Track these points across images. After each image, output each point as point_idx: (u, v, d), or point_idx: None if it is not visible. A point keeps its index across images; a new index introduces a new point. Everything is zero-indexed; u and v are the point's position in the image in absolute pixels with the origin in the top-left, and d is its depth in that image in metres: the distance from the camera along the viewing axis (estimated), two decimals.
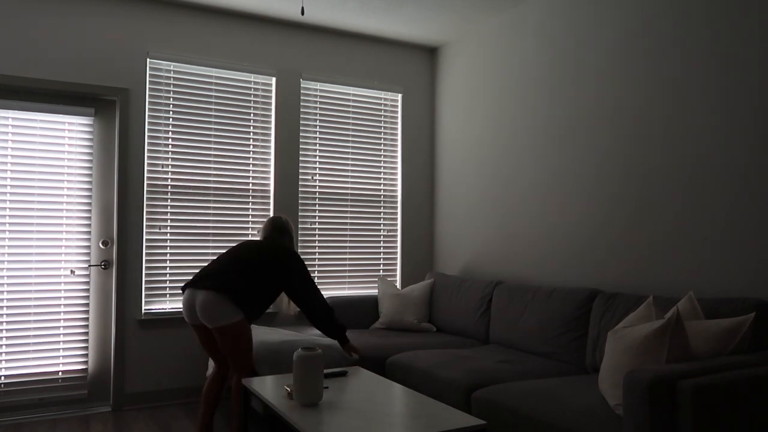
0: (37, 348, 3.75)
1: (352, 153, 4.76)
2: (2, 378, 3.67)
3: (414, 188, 5.00)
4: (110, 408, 3.90)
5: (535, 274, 3.91)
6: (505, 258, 4.19)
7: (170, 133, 4.11)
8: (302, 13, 3.04)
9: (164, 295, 4.06)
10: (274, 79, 4.45)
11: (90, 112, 3.93)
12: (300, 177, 4.54)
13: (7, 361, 3.68)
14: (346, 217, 4.72)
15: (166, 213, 4.08)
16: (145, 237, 4.00)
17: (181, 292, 4.10)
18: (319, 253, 4.61)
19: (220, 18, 4.27)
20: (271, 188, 4.43)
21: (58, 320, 3.81)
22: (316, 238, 4.60)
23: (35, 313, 3.75)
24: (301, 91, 4.57)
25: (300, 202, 4.54)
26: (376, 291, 4.80)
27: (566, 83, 3.70)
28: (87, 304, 3.90)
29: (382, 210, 4.89)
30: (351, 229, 4.74)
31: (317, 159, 4.62)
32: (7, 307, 3.69)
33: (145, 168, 4.01)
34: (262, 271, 2.96)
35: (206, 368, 4.18)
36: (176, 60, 4.11)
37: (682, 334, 2.17)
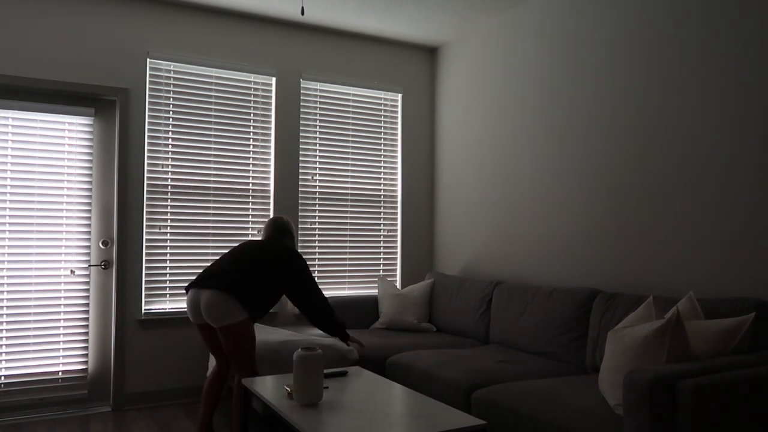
0: (37, 348, 3.75)
1: (352, 153, 4.76)
2: (2, 378, 3.67)
3: (414, 188, 5.00)
4: (110, 408, 3.90)
5: (535, 274, 3.91)
6: (505, 258, 4.19)
7: (170, 133, 4.11)
8: (302, 13, 3.04)
9: (164, 295, 4.06)
10: (274, 79, 4.45)
11: (90, 112, 3.93)
12: (300, 177, 4.54)
13: (7, 361, 3.68)
14: (346, 217, 4.72)
15: (166, 213, 4.08)
16: (145, 237, 4.00)
17: (181, 292, 4.11)
18: (319, 253, 4.61)
19: (220, 18, 4.27)
20: (271, 188, 4.43)
21: (58, 320, 3.81)
22: (316, 238, 4.60)
23: (35, 313, 3.75)
24: (301, 91, 4.57)
25: (300, 202, 4.54)
26: (376, 291, 4.80)
27: (566, 83, 3.70)
28: (87, 304, 3.90)
29: (382, 210, 4.89)
30: (351, 229, 4.74)
31: (317, 159, 4.62)
32: (7, 307, 3.69)
33: (145, 168, 4.01)
34: (264, 271, 2.98)
35: (206, 368, 4.18)
36: (176, 60, 4.11)
37: (682, 334, 2.17)
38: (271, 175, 4.43)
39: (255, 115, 4.40)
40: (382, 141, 4.89)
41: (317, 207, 4.61)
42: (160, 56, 4.06)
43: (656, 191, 3.11)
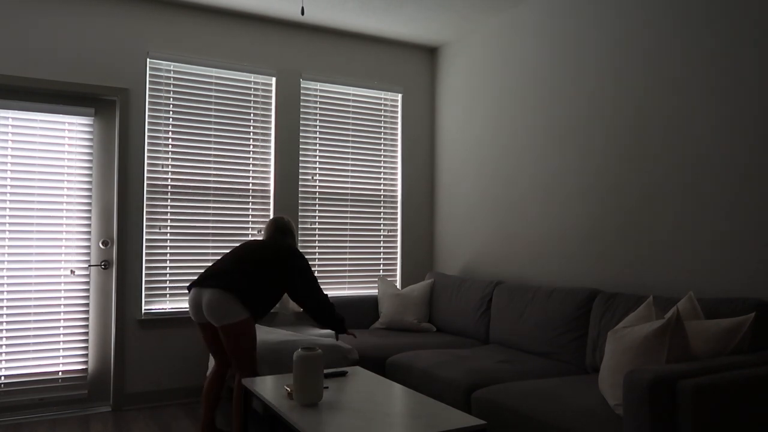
0: (37, 348, 3.75)
1: (352, 153, 4.76)
2: (2, 378, 3.67)
3: (414, 188, 5.00)
4: (110, 408, 3.90)
5: (535, 274, 3.91)
6: (505, 258, 4.19)
7: (170, 133, 4.11)
8: (302, 13, 3.04)
9: (164, 295, 4.06)
10: (274, 79, 4.45)
11: (90, 112, 3.93)
12: (300, 177, 4.54)
13: (7, 361, 3.68)
14: (346, 217, 4.72)
15: (166, 213, 4.08)
16: (145, 237, 4.00)
17: (181, 292, 4.11)
18: (319, 253, 4.61)
19: (220, 18, 4.27)
20: (271, 188, 4.43)
21: (58, 320, 3.81)
22: (316, 238, 4.60)
23: (35, 313, 3.75)
24: (301, 91, 4.57)
25: (300, 202, 4.54)
26: (376, 291, 4.80)
27: (566, 83, 3.70)
28: (87, 304, 3.90)
29: (382, 210, 4.89)
30: (351, 229, 4.74)
31: (317, 159, 4.62)
32: (7, 307, 3.69)
33: (145, 168, 4.01)
34: (266, 270, 3.00)
35: (206, 368, 4.18)
36: (176, 60, 4.11)
37: (682, 334, 2.17)
38: (271, 175, 4.43)
39: (255, 115, 4.40)
40: (382, 141, 4.89)
41: (317, 207, 4.61)
42: (160, 56, 4.06)
43: (656, 191, 3.11)
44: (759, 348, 2.42)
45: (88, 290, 3.91)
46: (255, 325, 2.96)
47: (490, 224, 4.36)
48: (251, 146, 4.37)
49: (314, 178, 4.61)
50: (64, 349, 3.83)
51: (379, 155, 4.88)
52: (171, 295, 4.08)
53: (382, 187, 4.88)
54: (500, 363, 3.14)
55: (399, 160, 4.96)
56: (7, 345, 3.68)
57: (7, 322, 3.68)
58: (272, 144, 4.44)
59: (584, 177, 3.56)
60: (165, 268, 4.07)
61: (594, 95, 3.51)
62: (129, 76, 3.99)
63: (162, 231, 4.06)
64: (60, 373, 3.82)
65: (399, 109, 4.98)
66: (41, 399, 3.77)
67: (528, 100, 4.02)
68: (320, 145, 4.63)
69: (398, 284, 4.94)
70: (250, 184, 4.36)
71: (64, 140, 3.86)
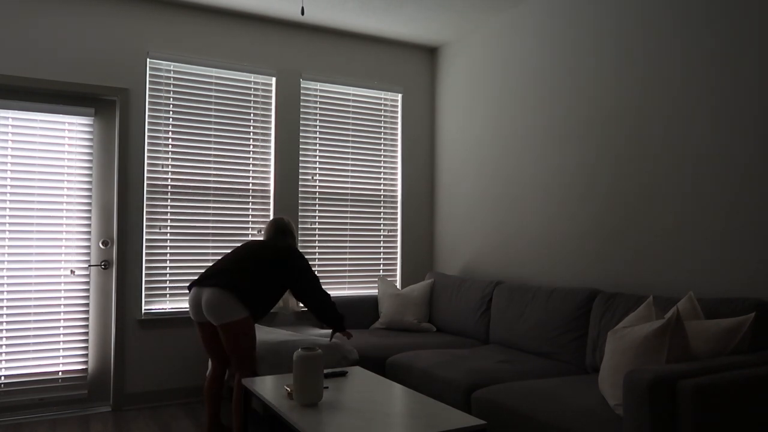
0: (37, 348, 3.75)
1: (352, 153, 4.76)
2: (2, 378, 3.67)
3: (414, 188, 5.00)
4: (110, 408, 3.90)
5: (535, 274, 3.91)
6: (505, 258, 4.19)
7: (170, 133, 4.11)
8: (302, 13, 3.04)
9: (164, 295, 4.06)
10: (274, 79, 4.45)
11: (90, 112, 3.93)
12: (300, 177, 4.54)
13: (7, 361, 3.68)
14: (346, 217, 4.72)
15: (166, 213, 4.08)
16: (145, 237, 4.00)
17: (181, 292, 4.11)
18: (319, 253, 4.61)
19: (220, 18, 4.27)
20: (271, 188, 4.43)
21: (58, 320, 3.81)
22: (316, 238, 4.60)
23: (35, 313, 3.75)
24: (301, 91, 4.57)
25: (300, 202, 4.54)
26: (376, 291, 4.80)
27: (566, 83, 3.70)
28: (87, 304, 3.90)
29: (382, 210, 4.89)
30: (351, 229, 4.74)
31: (317, 159, 4.62)
32: (7, 307, 3.69)
33: (145, 168, 4.01)
34: (266, 270, 3.02)
35: (206, 368, 4.18)
36: (176, 60, 4.11)
37: (682, 334, 2.17)
38: (271, 175, 4.43)
39: (255, 115, 4.40)
40: (382, 141, 4.89)
41: (317, 207, 4.61)
42: (160, 56, 4.06)
43: (656, 191, 3.11)
44: (759, 348, 2.42)
45: (88, 290, 3.91)
46: (254, 325, 2.97)
47: (490, 224, 4.36)
48: (251, 146, 4.37)
49: (314, 178, 4.61)
50: (64, 349, 3.83)
51: (379, 155, 4.88)
52: (171, 295, 4.08)
53: (382, 187, 4.88)
54: (500, 363, 3.14)
55: (399, 160, 4.96)
56: (7, 345, 3.68)
57: (7, 322, 3.68)
58: (272, 144, 4.44)
59: (584, 177, 3.56)
60: (165, 268, 4.07)
61: (594, 95, 3.51)
62: (129, 76, 3.99)
63: (162, 231, 4.06)
64: (60, 373, 3.82)
65: (399, 109, 4.98)
66: (41, 399, 3.77)
67: (528, 100, 4.02)
68: (320, 145, 4.63)
69: (398, 284, 4.94)
70: (250, 184, 4.36)
71: (64, 140, 3.86)
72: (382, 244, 4.88)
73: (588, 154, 3.54)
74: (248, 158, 4.36)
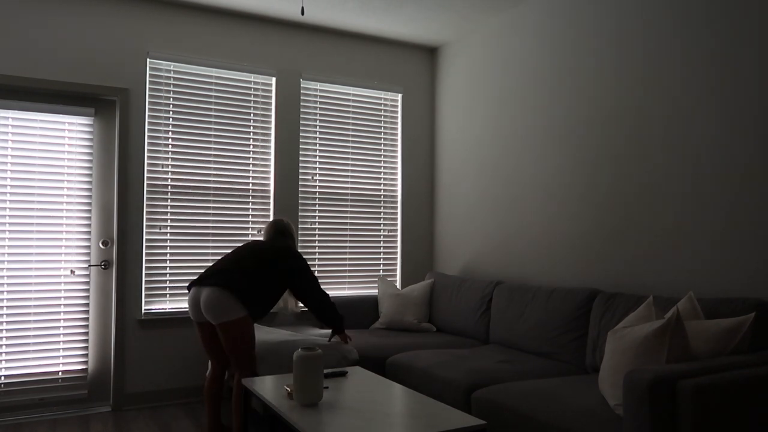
0: (37, 348, 3.75)
1: (352, 153, 4.76)
2: (2, 378, 3.67)
3: (414, 188, 5.00)
4: (110, 408, 3.90)
5: (535, 274, 3.91)
6: (505, 258, 4.19)
7: (170, 133, 4.11)
8: (302, 13, 3.04)
9: (164, 295, 4.06)
10: (274, 79, 4.45)
11: (90, 112, 3.93)
12: (300, 177, 4.54)
13: (7, 361, 3.68)
14: (346, 217, 4.72)
15: (166, 213, 4.08)
16: (145, 237, 4.00)
17: (181, 292, 4.11)
18: (319, 253, 4.61)
19: (220, 18, 4.27)
20: (271, 188, 4.43)
21: (58, 320, 3.81)
22: (316, 238, 4.60)
23: (35, 313, 3.75)
24: (301, 91, 4.57)
25: (300, 202, 4.54)
26: (376, 291, 4.80)
27: (566, 83, 3.70)
28: (87, 304, 3.90)
29: (382, 210, 4.89)
30: (351, 229, 4.74)
31: (317, 159, 4.62)
32: (7, 307, 3.69)
33: (145, 168, 4.01)
34: (265, 270, 3.03)
35: (206, 368, 4.18)
36: (176, 60, 4.11)
37: (682, 334, 2.17)
38: (271, 175, 4.43)
39: (255, 115, 4.40)
40: (382, 141, 4.89)
41: (317, 207, 4.61)
42: (160, 56, 4.06)
43: (656, 191, 3.11)
44: (759, 348, 2.42)
45: (88, 290, 3.91)
46: (253, 325, 2.98)
47: (490, 224, 4.36)
48: (251, 146, 4.37)
49: (314, 178, 4.61)
50: (64, 349, 3.83)
51: (379, 155, 4.88)
52: (171, 295, 4.08)
53: (382, 187, 4.88)
54: (500, 363, 3.14)
55: (399, 160, 4.96)
56: (7, 345, 3.68)
57: (7, 322, 3.68)
58: (272, 144, 4.44)
59: (584, 177, 3.56)
60: (165, 268, 4.07)
61: (594, 95, 3.51)
62: (129, 76, 3.99)
63: (162, 231, 4.06)
64: (60, 373, 3.82)
65: (399, 109, 4.98)
66: (41, 399, 3.77)
67: (528, 100, 4.02)
68: (320, 145, 4.63)
69: (398, 284, 4.94)
70: (250, 184, 4.36)
71: (64, 140, 3.86)
72: (382, 244, 4.88)
73: (588, 154, 3.54)
74: (248, 158, 4.36)
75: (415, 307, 4.31)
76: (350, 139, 4.75)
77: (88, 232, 3.92)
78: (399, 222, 4.95)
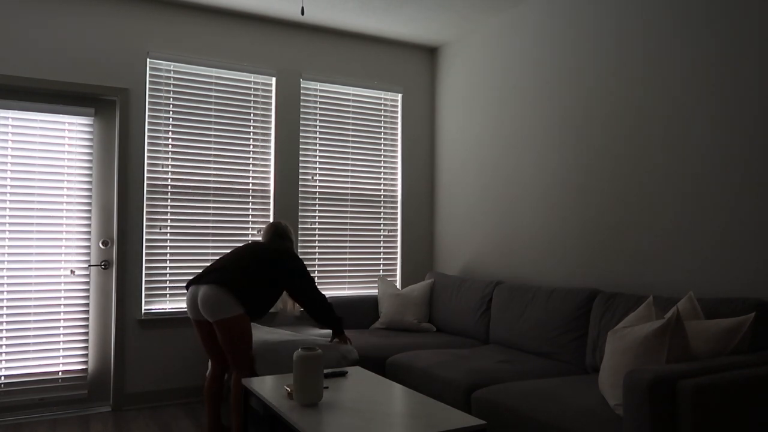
0: (37, 348, 3.75)
1: (352, 153, 4.76)
2: (2, 378, 3.67)
3: (414, 188, 5.00)
4: (110, 408, 3.90)
5: (535, 274, 3.91)
6: (505, 258, 4.19)
7: (170, 133, 4.11)
8: (302, 13, 3.04)
9: (164, 295, 4.06)
10: (274, 79, 4.45)
11: (90, 112, 3.93)
12: (300, 177, 4.54)
13: (7, 361, 3.68)
14: (346, 217, 4.72)
15: (166, 213, 4.08)
16: (145, 237, 4.00)
17: (181, 292, 4.11)
18: (319, 253, 4.61)
19: (220, 18, 4.27)
20: (271, 188, 4.43)
21: (58, 320, 3.81)
22: (316, 238, 4.60)
23: (35, 313, 3.75)
24: (301, 91, 4.57)
25: (300, 202, 4.54)
26: (376, 291, 4.80)
27: (566, 83, 3.70)
28: (87, 304, 3.90)
29: (382, 210, 4.89)
30: (351, 229, 4.74)
31: (317, 159, 4.62)
32: (7, 307, 3.69)
33: (145, 168, 4.02)
34: (263, 270, 3.05)
35: (206, 368, 4.18)
36: (176, 60, 4.11)
37: (682, 334, 2.17)
38: (271, 175, 4.43)
39: (255, 115, 4.40)
40: (382, 141, 4.89)
41: (317, 207, 4.61)
42: (160, 56, 4.06)
43: (656, 191, 3.11)
44: (759, 348, 2.42)
45: (88, 290, 3.91)
46: (250, 324, 2.99)
47: (490, 224, 4.36)
48: (251, 146, 4.37)
49: (314, 178, 4.61)
50: (64, 349, 3.83)
51: (379, 155, 4.88)
52: (171, 295, 4.08)
53: (382, 187, 4.88)
54: (500, 363, 3.14)
55: (399, 160, 4.96)
56: (7, 345, 3.68)
57: (7, 322, 3.68)
58: (272, 144, 4.44)
59: (584, 177, 3.56)
60: (165, 268, 4.07)
61: (594, 95, 3.51)
62: (129, 76, 3.99)
63: (162, 231, 4.06)
64: (60, 373, 3.82)
65: (399, 109, 4.98)
66: (41, 399, 3.77)
67: (528, 100, 4.02)
68: (320, 145, 4.63)
69: (398, 284, 4.94)
70: (250, 184, 4.36)
71: (64, 140, 3.86)
72: (382, 244, 4.88)
73: (588, 153, 3.54)
74: (248, 158, 4.36)
75: (415, 307, 4.31)
76: (350, 139, 4.75)
77: (88, 232, 3.92)
78: (399, 222, 4.95)
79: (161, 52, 4.07)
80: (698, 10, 2.92)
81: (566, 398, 2.43)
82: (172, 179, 4.10)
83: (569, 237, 3.65)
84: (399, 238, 4.95)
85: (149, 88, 4.04)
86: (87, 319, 3.90)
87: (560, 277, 3.71)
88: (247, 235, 4.33)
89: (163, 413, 3.82)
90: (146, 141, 4.02)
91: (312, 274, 4.55)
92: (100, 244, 3.96)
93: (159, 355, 4.02)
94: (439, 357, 3.28)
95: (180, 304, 4.11)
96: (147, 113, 4.03)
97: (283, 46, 4.49)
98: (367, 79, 4.81)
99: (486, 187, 4.41)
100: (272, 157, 4.43)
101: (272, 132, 4.44)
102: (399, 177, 4.96)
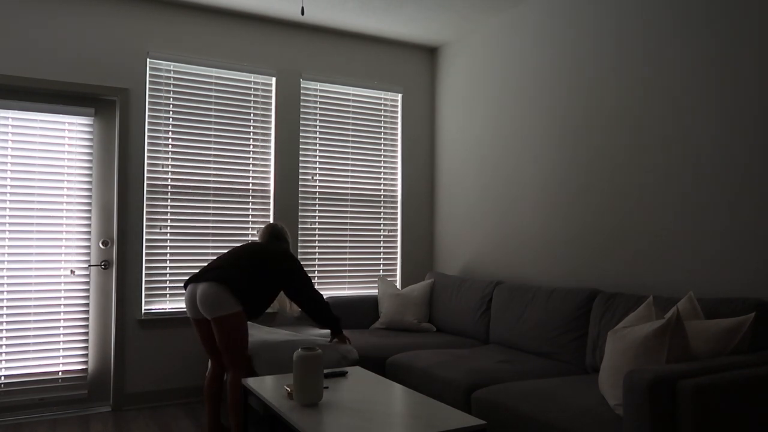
0: (37, 348, 3.75)
1: (352, 153, 4.76)
2: (2, 378, 3.67)
3: (414, 188, 5.00)
4: (110, 408, 3.90)
5: (535, 274, 3.91)
6: (505, 258, 4.19)
7: (170, 133, 4.11)
8: (302, 13, 3.04)
9: (164, 295, 4.06)
10: (274, 79, 4.45)
11: (90, 112, 3.93)
12: (300, 177, 4.54)
13: (7, 361, 3.68)
14: (346, 217, 4.72)
15: (166, 213, 4.08)
16: (145, 237, 4.00)
17: (181, 292, 4.11)
18: (319, 253, 4.61)
19: (220, 18, 4.27)
20: (271, 188, 4.43)
21: (58, 320, 3.81)
22: (316, 238, 4.60)
23: (35, 313, 3.75)
24: (301, 91, 4.57)
25: (300, 202, 4.54)
26: (376, 291, 4.80)
27: (566, 83, 3.70)
28: (87, 304, 3.90)
29: (382, 210, 4.89)
30: (351, 229, 4.74)
31: (317, 159, 4.62)
32: (7, 307, 3.69)
33: (145, 168, 4.02)
34: (261, 270, 3.09)
35: (206, 368, 4.18)
36: (176, 60, 4.11)
37: (682, 334, 2.17)
38: (271, 175, 4.43)
39: (255, 115, 4.40)
40: (382, 141, 4.89)
41: (317, 207, 4.61)
42: (160, 56, 4.06)
43: (656, 191, 3.11)
44: (759, 348, 2.42)
45: (88, 290, 3.91)
46: (247, 322, 3.03)
47: (490, 224, 4.36)
48: (251, 146, 4.37)
49: (314, 178, 4.61)
50: (64, 349, 3.83)
51: (379, 155, 4.88)
52: (171, 295, 4.08)
53: (382, 187, 4.88)
54: (500, 363, 3.14)
55: (399, 160, 4.96)
56: (7, 345, 3.68)
57: (7, 322, 3.68)
58: (272, 144, 4.44)
59: (584, 176, 3.56)
60: (165, 268, 4.07)
61: (594, 95, 3.51)
62: (129, 76, 3.99)
63: (162, 231, 4.06)
64: (60, 373, 3.82)
65: (399, 109, 4.98)
66: (41, 399, 3.77)
67: (528, 100, 4.02)
68: (320, 145, 4.63)
69: (398, 284, 4.94)
70: (250, 184, 4.36)
71: (64, 140, 3.86)
72: (382, 244, 4.88)
73: (588, 153, 3.54)
74: (248, 158, 4.36)
75: (415, 307, 4.31)
76: (350, 139, 4.75)
77: (88, 232, 3.92)
78: (399, 222, 4.95)
79: (161, 52, 4.07)
80: (698, 10, 2.92)
81: (566, 398, 2.43)
82: (172, 179, 4.10)
83: (569, 237, 3.65)
84: (399, 238, 4.95)
85: (149, 88, 4.04)
86: (87, 319, 3.90)
87: (560, 277, 3.71)
88: (247, 235, 4.33)
89: (163, 413, 3.82)
90: (146, 141, 4.02)
91: (312, 274, 4.57)
92: (100, 244, 3.96)
93: (159, 355, 4.02)
94: (439, 357, 3.28)
95: (180, 304, 4.11)
96: (147, 113, 4.03)
97: (283, 46, 4.49)
98: (367, 79, 4.81)
99: (486, 187, 4.41)
100: (272, 157, 4.43)
101: (272, 132, 4.44)
102: (399, 177, 4.96)
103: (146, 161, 4.02)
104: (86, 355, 3.90)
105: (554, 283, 3.76)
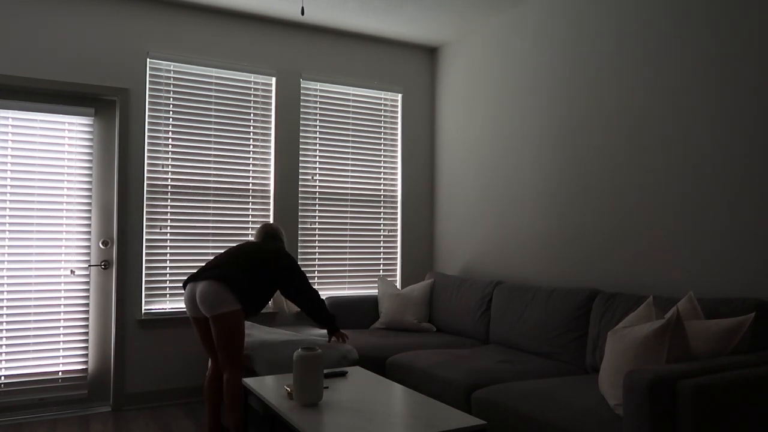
0: (37, 348, 3.75)
1: (352, 153, 4.76)
2: (2, 378, 3.67)
3: (414, 188, 5.00)
4: (110, 408, 3.90)
5: (535, 274, 3.91)
6: (505, 258, 4.19)
7: (170, 133, 4.11)
8: (302, 13, 3.05)
9: (164, 295, 4.06)
10: (274, 79, 4.45)
11: (90, 112, 3.93)
12: (300, 177, 4.54)
13: (7, 361, 3.68)
14: (346, 217, 4.72)
15: (166, 213, 4.08)
16: (145, 237, 4.00)
17: (181, 292, 4.11)
18: (319, 253, 4.61)
19: (220, 18, 4.27)
20: (271, 188, 4.43)
21: (58, 320, 3.81)
22: (316, 238, 4.60)
23: (35, 313, 3.75)
24: (301, 91, 4.57)
25: (300, 202, 4.54)
26: (376, 291, 4.80)
27: (566, 83, 3.70)
28: (87, 304, 3.90)
29: (382, 210, 4.89)
30: (351, 229, 4.74)
31: (317, 159, 4.62)
32: (7, 307, 3.69)
33: (145, 168, 4.01)
34: (258, 268, 3.12)
35: (206, 368, 4.18)
36: (176, 60, 4.11)
37: (682, 334, 2.17)
38: (271, 175, 4.43)
39: (255, 115, 4.40)
40: (382, 141, 4.89)
41: (317, 207, 4.61)
42: (160, 56, 4.06)
43: (656, 191, 3.11)
44: (759, 348, 2.42)
45: (88, 290, 3.91)
46: (245, 322, 3.05)
47: (490, 224, 4.36)
48: (251, 146, 4.37)
49: (314, 178, 4.61)
50: (64, 349, 3.83)
51: (379, 155, 4.88)
52: (171, 295, 4.08)
53: (382, 187, 4.88)
54: (500, 363, 3.14)
55: (399, 160, 4.96)
56: (7, 345, 3.68)
57: (7, 322, 3.68)
58: (272, 144, 4.44)
59: (584, 176, 3.56)
60: (165, 268, 4.07)
61: (594, 95, 3.51)
62: (129, 76, 3.99)
63: (162, 231, 4.06)
64: (60, 373, 3.82)
65: (399, 109, 4.98)
66: (41, 399, 3.77)
67: (528, 100, 4.02)
68: (320, 145, 4.63)
69: (398, 284, 4.94)
70: (250, 184, 4.36)
71: (64, 140, 3.86)
72: (382, 244, 4.88)
73: (588, 153, 3.54)
74: (248, 158, 4.36)
75: (415, 307, 4.31)
76: (350, 139, 4.75)
77: (88, 232, 3.92)
78: (399, 222, 4.95)
79: (161, 52, 4.07)
80: (698, 10, 2.92)
81: (566, 398, 2.43)
82: (172, 179, 4.10)
83: (569, 237, 3.65)
84: (399, 238, 4.95)
85: (149, 88, 4.04)
86: (87, 319, 3.90)
87: (560, 277, 3.71)
88: (247, 235, 4.33)
89: (163, 413, 3.82)
90: (146, 141, 4.02)
91: (312, 274, 4.57)
92: (100, 244, 3.96)
93: (159, 355, 4.02)
94: (439, 357, 3.28)
95: (180, 304, 4.11)
96: (147, 113, 4.03)
97: (283, 46, 4.49)
98: (367, 79, 4.81)
99: (486, 187, 4.41)
100: (272, 157, 4.43)
101: (272, 132, 4.44)
102: (399, 177, 4.96)
103: (146, 161, 4.02)
104: (86, 355, 3.90)
105: (554, 283, 3.75)
